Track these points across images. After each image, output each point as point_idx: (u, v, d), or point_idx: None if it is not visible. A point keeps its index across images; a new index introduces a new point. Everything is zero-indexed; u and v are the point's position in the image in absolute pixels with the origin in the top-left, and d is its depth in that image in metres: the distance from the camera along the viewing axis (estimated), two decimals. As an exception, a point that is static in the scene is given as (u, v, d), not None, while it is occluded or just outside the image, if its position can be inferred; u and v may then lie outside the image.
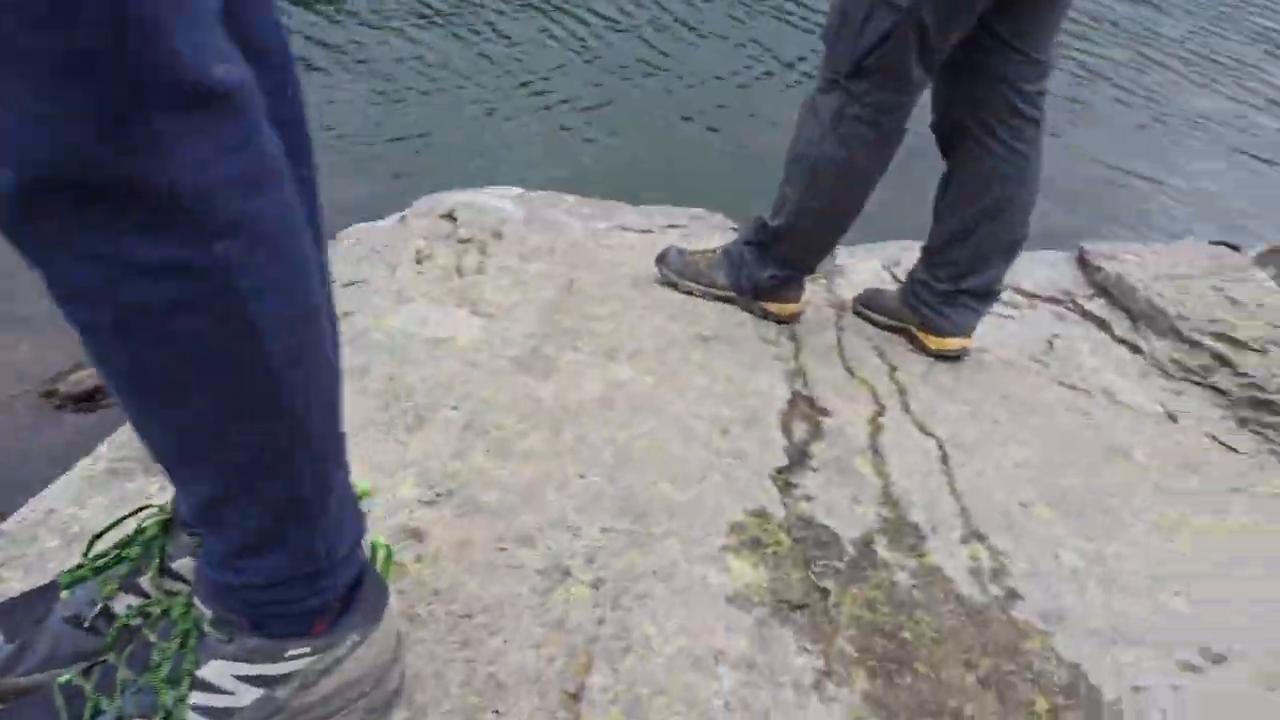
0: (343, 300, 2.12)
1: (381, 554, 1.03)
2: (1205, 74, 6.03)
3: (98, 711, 0.83)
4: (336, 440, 0.89)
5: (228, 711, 0.84)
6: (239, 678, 0.83)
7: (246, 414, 0.76)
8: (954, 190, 2.15)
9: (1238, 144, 5.34)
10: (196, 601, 0.84)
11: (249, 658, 0.84)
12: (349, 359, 1.82)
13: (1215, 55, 6.34)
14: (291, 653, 0.85)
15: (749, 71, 5.31)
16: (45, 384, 3.02)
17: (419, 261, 2.33)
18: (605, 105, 4.90)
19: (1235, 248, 3.04)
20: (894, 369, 2.12)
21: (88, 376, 3.01)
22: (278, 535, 0.81)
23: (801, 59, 5.40)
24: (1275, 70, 6.33)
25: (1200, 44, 6.43)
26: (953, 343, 2.21)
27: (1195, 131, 5.36)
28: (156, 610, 0.88)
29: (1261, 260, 2.91)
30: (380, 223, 2.68)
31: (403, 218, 2.65)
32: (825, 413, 1.87)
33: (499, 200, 2.78)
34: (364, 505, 1.06)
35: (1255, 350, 2.24)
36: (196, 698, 0.83)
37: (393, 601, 0.97)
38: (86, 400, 2.99)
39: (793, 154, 2.12)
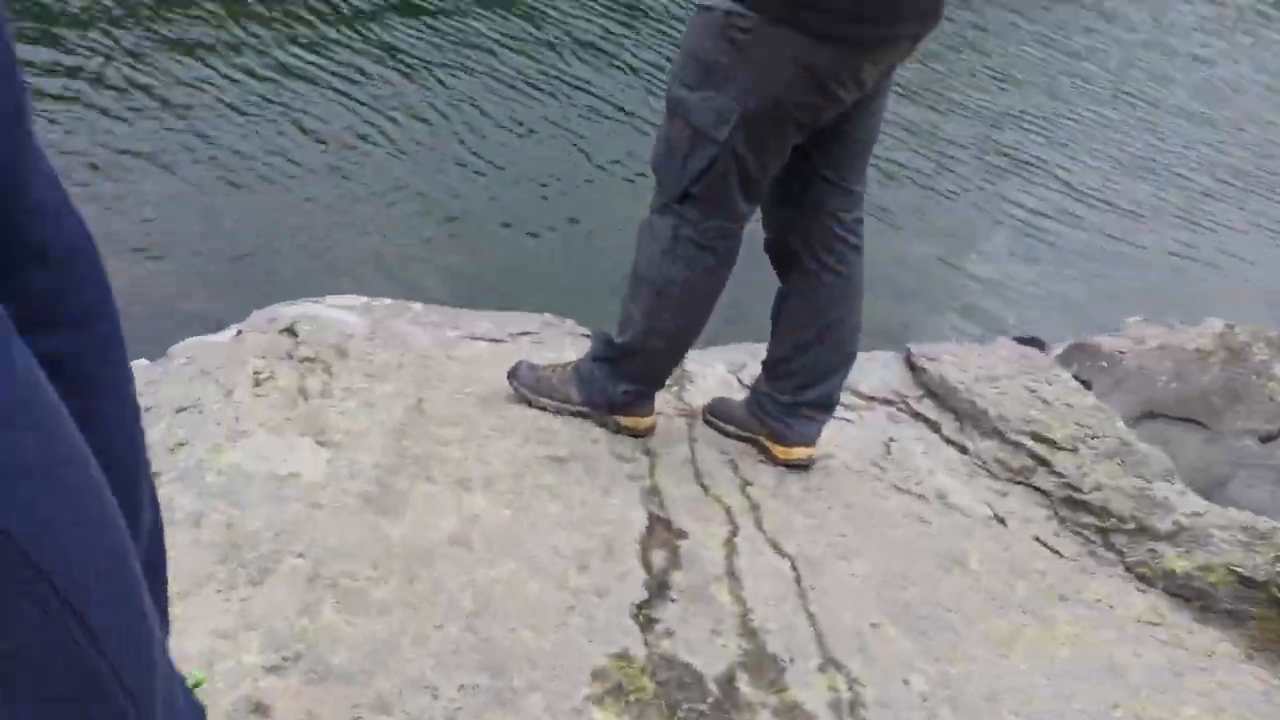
0: (175, 428, 1.99)
1: None
2: (999, 170, 6.64)
3: None
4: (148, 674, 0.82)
5: None
6: None
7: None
8: (788, 309, 2.26)
9: (1040, 238, 5.90)
10: None
11: None
12: (182, 504, 1.71)
13: (1008, 151, 7.01)
14: None
15: (580, 171, 5.44)
16: None
17: (257, 384, 2.22)
18: (445, 206, 4.90)
19: (1041, 346, 3.33)
20: (746, 483, 2.17)
21: None
22: None
23: (630, 155, 5.57)
24: (1069, 164, 7.06)
25: (992, 143, 7.09)
26: (799, 452, 2.29)
27: (1000, 228, 5.89)
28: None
29: (1065, 358, 3.20)
30: (213, 337, 2.55)
31: (239, 332, 2.53)
32: (682, 535, 1.89)
33: (341, 312, 2.70)
34: (200, 693, 0.98)
35: (1067, 449, 2.44)
36: None
37: None
38: None
39: (635, 273, 2.18)
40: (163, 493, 1.59)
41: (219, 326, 2.68)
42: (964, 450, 2.52)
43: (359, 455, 1.93)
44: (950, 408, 2.71)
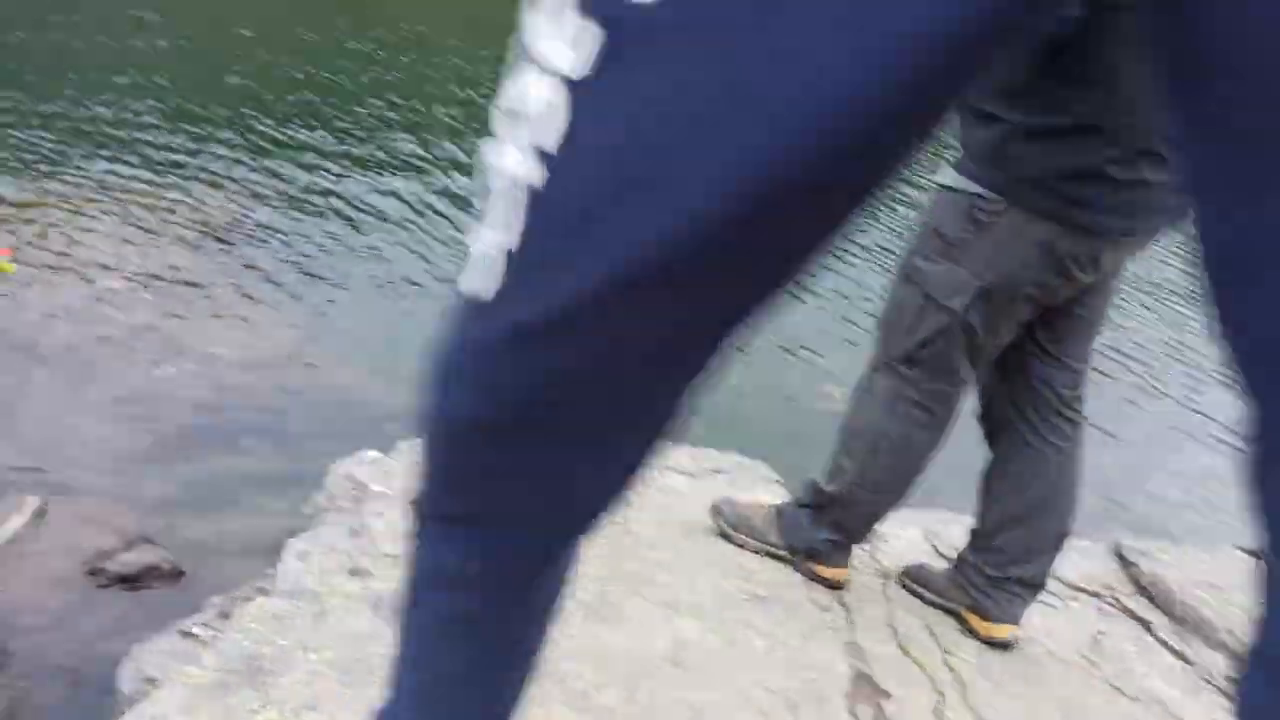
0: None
1: None
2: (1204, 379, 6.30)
3: None
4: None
5: None
6: None
7: None
8: (999, 480, 2.26)
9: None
10: None
11: None
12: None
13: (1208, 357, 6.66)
14: None
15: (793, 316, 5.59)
16: (92, 560, 3.04)
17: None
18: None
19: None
20: (947, 653, 2.14)
21: (137, 557, 3.04)
22: None
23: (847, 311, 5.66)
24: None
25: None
26: (1002, 630, 2.24)
27: (1215, 432, 5.56)
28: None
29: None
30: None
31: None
32: (886, 695, 1.88)
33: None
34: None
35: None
36: None
37: None
38: (134, 580, 3.00)
39: (849, 427, 2.25)
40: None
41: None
42: (1184, 659, 2.37)
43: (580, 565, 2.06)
44: (1166, 610, 2.57)
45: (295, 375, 4.41)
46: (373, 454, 2.73)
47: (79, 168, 6.14)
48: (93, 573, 2.99)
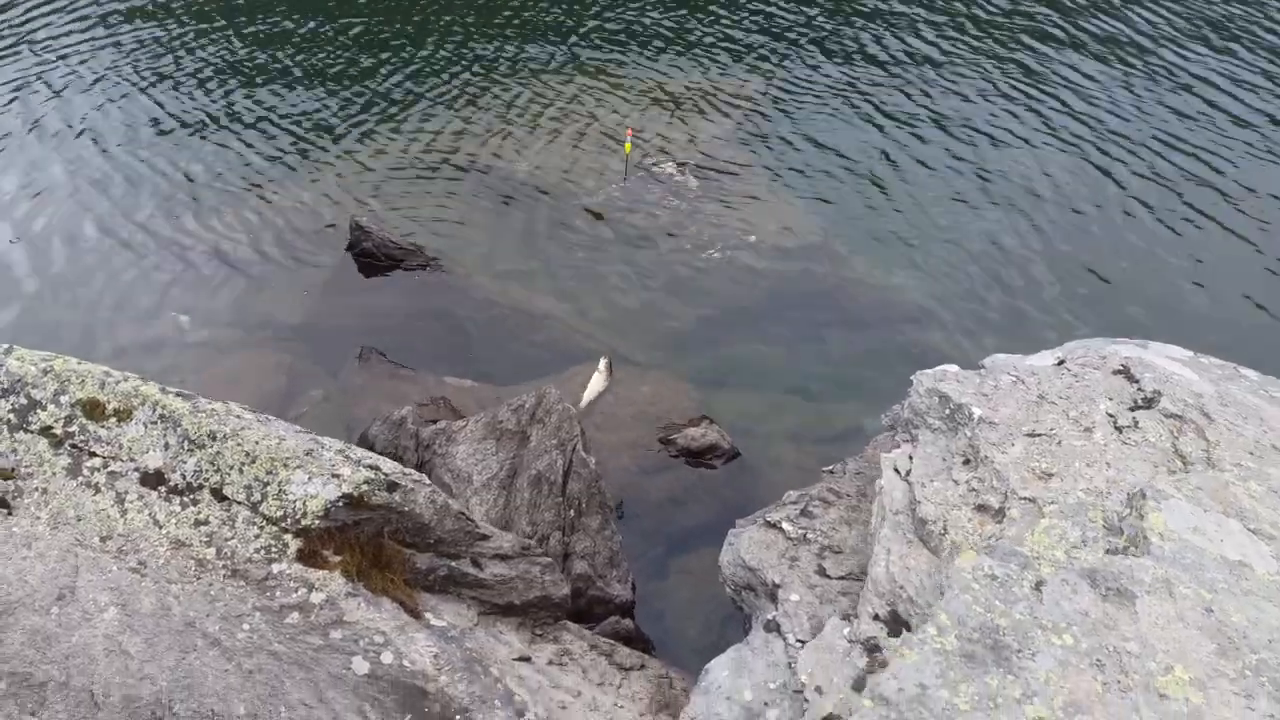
0: (1035, 454, 1.92)
1: None
2: None
3: None
4: None
5: None
6: None
7: None
8: None
9: None
10: None
11: None
12: (1148, 569, 1.53)
13: None
14: None
15: None
16: (664, 430, 3.28)
17: (1117, 429, 2.06)
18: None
19: None
20: None
21: (701, 434, 3.22)
22: None
23: None
24: None
25: None
26: None
27: None
28: None
29: None
30: (1033, 359, 2.47)
31: (1060, 361, 2.41)
32: None
33: (1173, 364, 2.41)
34: None
35: None
36: None
37: None
38: (697, 456, 3.19)
39: None
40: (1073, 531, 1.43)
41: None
42: None
43: None
44: None
45: (825, 268, 4.33)
46: (954, 369, 2.49)
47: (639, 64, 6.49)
48: (663, 442, 3.23)
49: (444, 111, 5.37)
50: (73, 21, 6.54)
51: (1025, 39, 6.13)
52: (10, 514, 1.77)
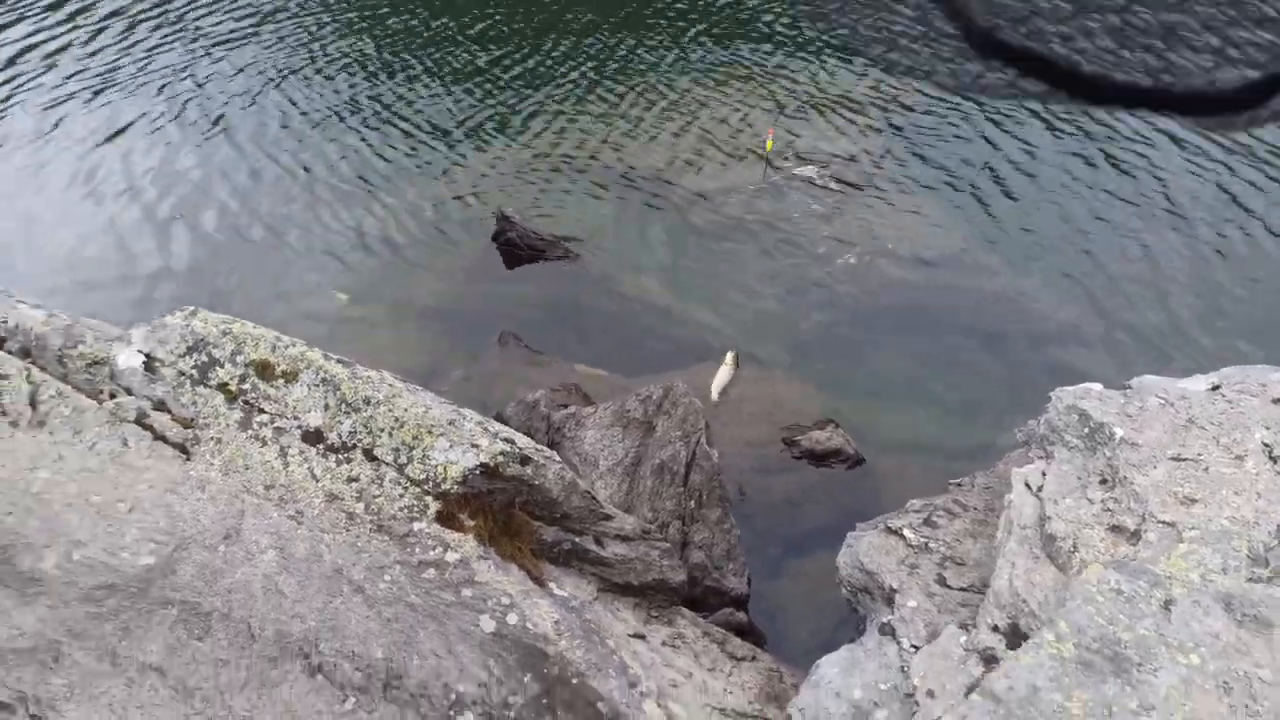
0: (1179, 479, 1.85)
1: None
2: None
3: None
4: None
5: None
6: None
7: None
8: None
9: None
10: None
11: None
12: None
13: None
14: None
15: None
16: (787, 430, 3.30)
17: (1272, 459, 1.96)
18: None
19: None
20: None
21: (826, 437, 3.22)
22: None
23: None
24: None
25: None
26: None
27: None
28: None
29: None
30: (1184, 383, 2.36)
31: (1215, 387, 2.29)
32: None
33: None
34: None
35: None
36: None
37: None
38: (820, 459, 3.20)
39: None
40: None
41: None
42: None
43: None
44: None
45: (967, 280, 4.23)
46: (1097, 387, 2.41)
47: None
48: (787, 443, 3.24)
49: (571, 108, 5.53)
50: (227, 14, 7.03)
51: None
52: (189, 459, 1.96)
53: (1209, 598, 1.26)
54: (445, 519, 1.79)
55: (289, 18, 6.94)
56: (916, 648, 1.78)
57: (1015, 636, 1.58)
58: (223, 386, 2.00)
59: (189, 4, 7.08)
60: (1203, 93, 5.22)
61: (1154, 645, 1.12)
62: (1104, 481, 1.91)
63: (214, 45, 6.52)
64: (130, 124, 5.60)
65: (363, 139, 5.39)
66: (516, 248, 4.40)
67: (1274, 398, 2.23)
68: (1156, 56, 5.54)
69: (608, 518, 2.11)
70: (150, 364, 2.03)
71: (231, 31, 6.69)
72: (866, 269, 4.30)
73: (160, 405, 1.97)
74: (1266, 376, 2.34)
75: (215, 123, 5.65)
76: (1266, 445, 2.02)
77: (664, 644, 2.03)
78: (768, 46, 6.19)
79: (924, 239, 4.44)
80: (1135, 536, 1.68)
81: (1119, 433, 2.12)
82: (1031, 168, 4.96)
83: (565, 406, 3.21)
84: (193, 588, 1.85)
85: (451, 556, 1.77)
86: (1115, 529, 1.71)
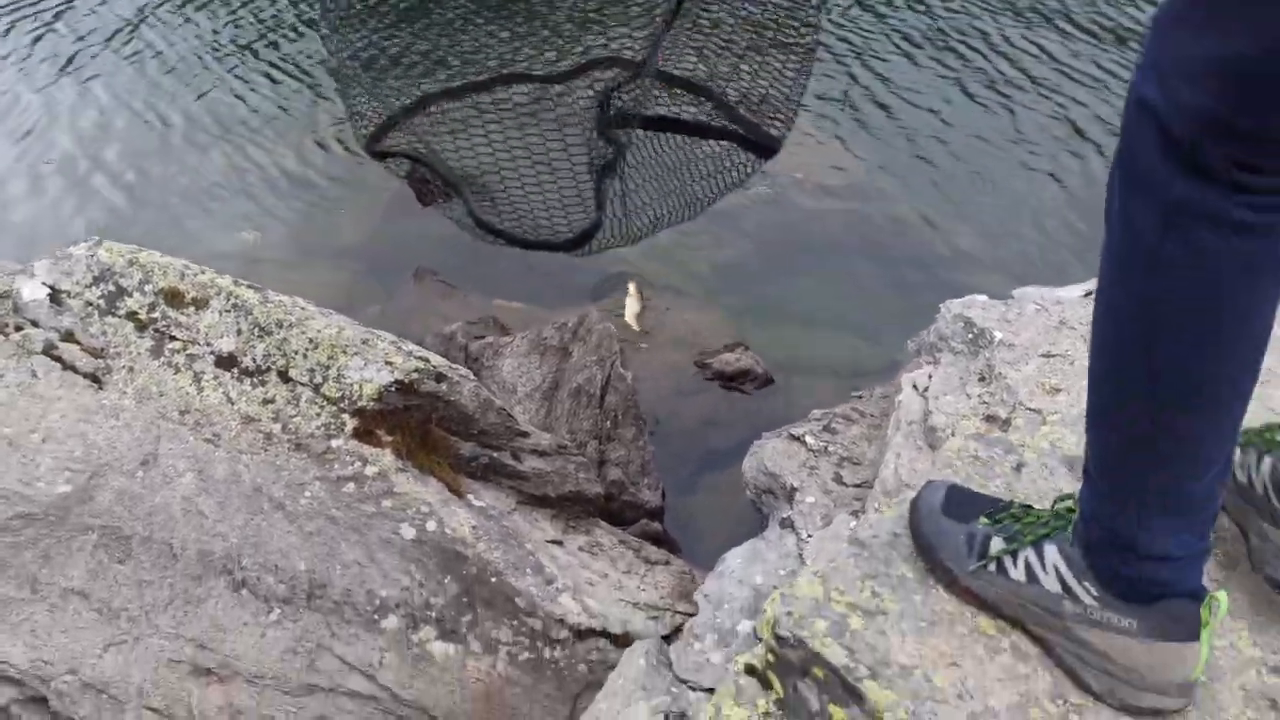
0: (1047, 373, 2.01)
1: (1210, 608, 1.05)
2: None
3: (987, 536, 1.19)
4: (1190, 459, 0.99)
5: (1033, 576, 1.13)
6: (1054, 565, 1.11)
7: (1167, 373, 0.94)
8: None
9: None
10: (1076, 518, 1.11)
11: (1066, 560, 1.10)
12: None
13: None
14: (1086, 585, 1.08)
15: None
16: (699, 354, 3.42)
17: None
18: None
19: None
20: None
21: (736, 359, 3.34)
22: (1098, 493, 1.05)
23: None
24: None
25: None
26: None
27: None
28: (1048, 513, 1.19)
29: None
30: (1061, 291, 2.54)
31: (1088, 293, 2.47)
32: None
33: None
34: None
35: None
36: (1029, 552, 1.14)
37: (1193, 650, 1.04)
38: (730, 380, 3.33)
39: None
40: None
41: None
42: None
43: None
44: None
45: (871, 208, 4.38)
46: (982, 298, 2.57)
47: None
48: (699, 365, 3.37)
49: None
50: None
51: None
52: (101, 389, 1.97)
53: (1055, 460, 1.41)
54: (363, 435, 1.85)
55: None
56: (813, 536, 1.92)
57: (899, 518, 1.73)
58: (132, 315, 2.00)
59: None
60: None
61: (1004, 496, 1.27)
62: (982, 379, 2.07)
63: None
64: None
65: (266, 75, 5.26)
66: (430, 184, 4.37)
67: (1140, 302, 2.42)
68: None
69: (524, 434, 2.20)
70: (56, 295, 2.02)
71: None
72: (776, 199, 4.41)
73: (69, 336, 1.97)
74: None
75: (91, 59, 5.43)
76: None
77: (581, 549, 2.14)
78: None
79: (833, 169, 4.57)
80: (1006, 424, 1.83)
81: (998, 335, 2.28)
82: (950, 98, 5.11)
83: (482, 338, 3.27)
84: (112, 513, 1.88)
85: (370, 470, 1.83)
86: (989, 418, 1.86)
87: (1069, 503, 1.15)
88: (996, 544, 1.15)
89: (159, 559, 1.87)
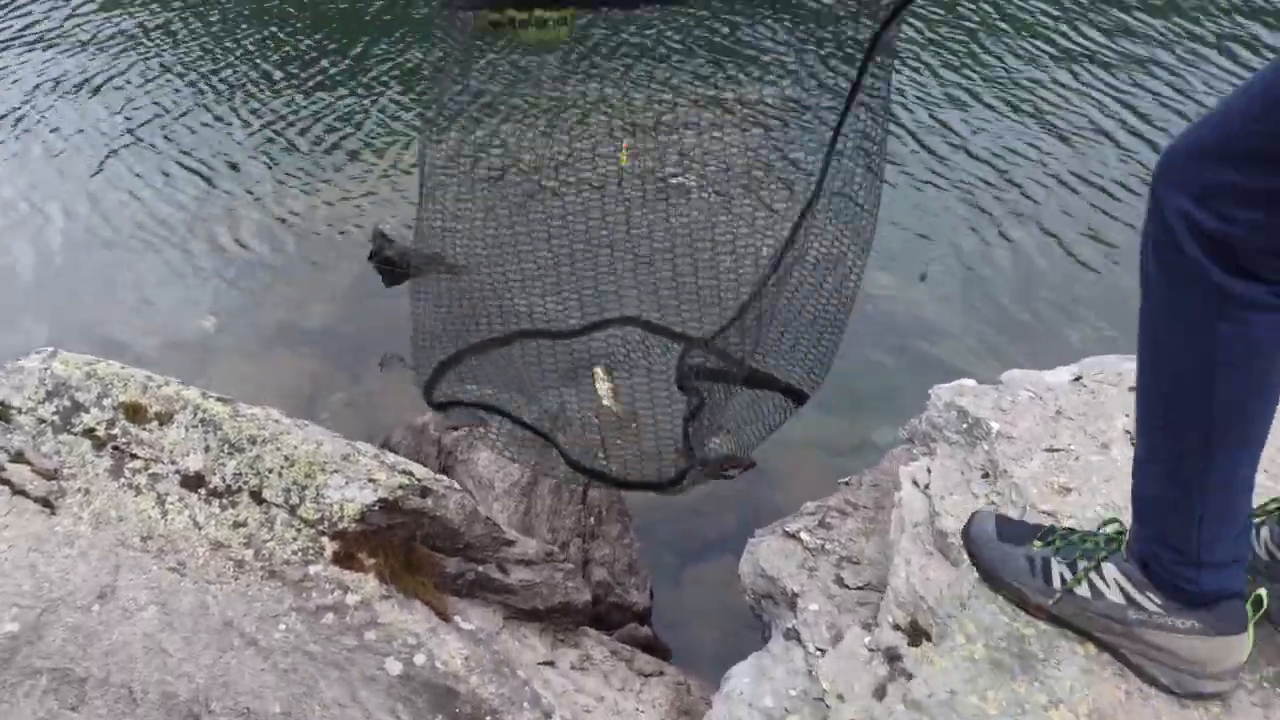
0: (1054, 470, 1.96)
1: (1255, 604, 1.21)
2: None
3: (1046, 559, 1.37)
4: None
5: (1097, 592, 1.28)
6: (1115, 580, 1.26)
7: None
8: None
9: None
10: (1129, 538, 1.29)
11: (1126, 575, 1.26)
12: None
13: None
14: (1149, 595, 1.23)
15: None
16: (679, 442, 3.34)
17: (1132, 446, 2.10)
18: None
19: None
20: None
21: (719, 444, 3.27)
22: (1160, 516, 1.20)
23: None
24: None
25: None
26: None
27: None
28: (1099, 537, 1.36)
29: None
30: (1049, 375, 2.51)
31: (1077, 378, 2.45)
32: None
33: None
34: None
35: None
36: (1092, 574, 1.30)
37: (1244, 641, 1.18)
38: (713, 466, 3.25)
39: None
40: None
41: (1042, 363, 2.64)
42: None
43: None
44: None
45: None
46: (970, 383, 2.53)
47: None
48: (679, 453, 3.28)
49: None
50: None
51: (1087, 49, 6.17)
52: (54, 514, 1.82)
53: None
54: (343, 560, 1.73)
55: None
56: (822, 650, 1.82)
57: (916, 634, 1.64)
58: (89, 432, 1.86)
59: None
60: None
61: (1054, 638, 1.21)
62: (985, 475, 2.01)
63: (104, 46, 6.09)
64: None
65: (220, 150, 5.15)
66: (395, 266, 4.29)
67: (1129, 386, 2.40)
68: None
69: (510, 543, 2.08)
70: (4, 412, 1.88)
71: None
72: (752, 274, 4.39)
73: (19, 457, 1.82)
74: (1120, 366, 2.51)
75: (23, 127, 5.28)
76: (1128, 432, 2.17)
77: (573, 668, 2.02)
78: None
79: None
80: (1019, 530, 1.76)
81: (995, 427, 2.23)
82: (907, 169, 5.17)
83: (455, 429, 3.15)
84: (64, 653, 1.72)
85: (352, 599, 1.70)
86: (1001, 523, 1.79)
87: (1115, 525, 1.35)
88: (1061, 568, 1.33)
89: (116, 704, 1.71)
